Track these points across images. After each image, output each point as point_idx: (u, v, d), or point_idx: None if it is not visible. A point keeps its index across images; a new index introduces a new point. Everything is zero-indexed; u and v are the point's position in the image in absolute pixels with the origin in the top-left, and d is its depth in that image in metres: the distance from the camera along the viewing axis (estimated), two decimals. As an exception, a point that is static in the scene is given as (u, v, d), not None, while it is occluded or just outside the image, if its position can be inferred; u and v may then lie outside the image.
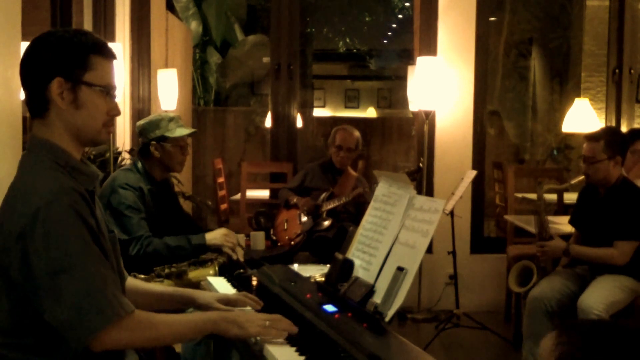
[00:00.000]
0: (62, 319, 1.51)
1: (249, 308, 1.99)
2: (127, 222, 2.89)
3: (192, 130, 3.13)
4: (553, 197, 4.92)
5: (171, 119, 3.09)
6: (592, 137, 3.37)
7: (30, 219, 1.51)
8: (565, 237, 3.57)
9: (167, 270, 2.72)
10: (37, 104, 1.65)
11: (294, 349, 1.70)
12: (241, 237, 3.29)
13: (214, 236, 2.97)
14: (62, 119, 1.64)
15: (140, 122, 3.10)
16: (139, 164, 3.07)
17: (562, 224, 3.82)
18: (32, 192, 1.56)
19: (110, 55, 1.69)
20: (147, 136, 3.05)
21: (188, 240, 2.95)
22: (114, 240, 1.76)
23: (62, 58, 1.62)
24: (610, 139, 3.34)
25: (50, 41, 1.65)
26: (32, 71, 1.65)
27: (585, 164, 3.36)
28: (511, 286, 3.59)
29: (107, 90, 1.67)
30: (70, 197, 1.56)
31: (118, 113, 1.72)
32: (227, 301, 2.01)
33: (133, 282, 2.02)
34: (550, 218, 3.86)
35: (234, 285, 2.44)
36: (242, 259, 2.94)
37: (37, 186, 1.57)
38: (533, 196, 5.57)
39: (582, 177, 3.43)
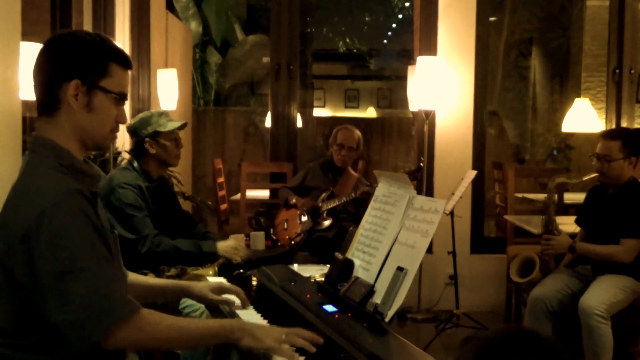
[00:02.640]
0: (69, 320, 1.51)
1: (250, 311, 1.98)
2: (131, 220, 2.90)
3: (183, 122, 3.18)
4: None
5: (161, 114, 3.13)
6: (609, 136, 3.37)
7: (35, 221, 1.51)
8: (569, 236, 3.57)
9: (173, 271, 2.75)
10: (48, 102, 1.65)
11: (293, 349, 1.70)
12: (241, 238, 3.30)
13: (224, 248, 3.00)
14: (72, 120, 1.65)
15: (131, 122, 3.11)
16: (135, 163, 3.08)
17: (564, 223, 3.82)
18: (35, 193, 1.55)
19: (128, 66, 1.71)
20: (140, 134, 3.06)
21: (199, 248, 2.97)
22: (115, 240, 1.76)
23: (84, 61, 1.64)
24: (627, 139, 3.34)
25: (73, 42, 1.65)
26: (49, 69, 1.65)
27: (600, 162, 3.35)
28: (512, 276, 3.60)
29: (120, 98, 1.69)
30: (76, 199, 1.56)
31: (124, 121, 1.74)
32: (220, 290, 2.02)
33: (130, 276, 2.03)
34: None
35: (233, 285, 2.44)
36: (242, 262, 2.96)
37: (41, 187, 1.56)
38: (533, 196, 5.60)
39: (595, 175, 3.42)
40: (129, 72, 1.73)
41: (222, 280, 2.53)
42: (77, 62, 1.63)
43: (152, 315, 1.61)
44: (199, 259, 2.93)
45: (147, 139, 3.05)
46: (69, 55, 1.63)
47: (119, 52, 1.70)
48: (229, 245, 3.01)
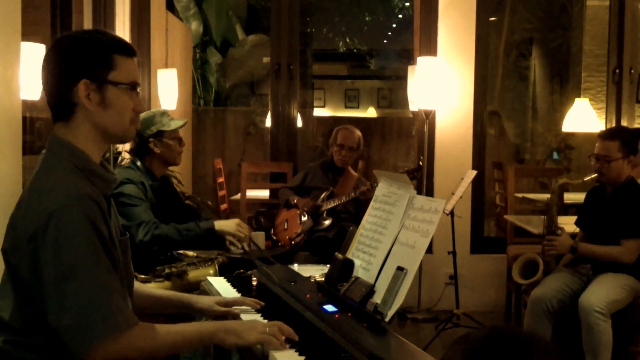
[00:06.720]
0: (65, 324, 1.50)
1: (248, 308, 1.99)
2: (133, 210, 2.88)
3: (185, 121, 3.19)
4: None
5: (162, 113, 3.14)
6: (606, 136, 3.38)
7: (44, 222, 1.50)
8: (569, 236, 3.57)
9: (167, 270, 2.72)
10: (62, 108, 1.64)
11: (293, 349, 1.70)
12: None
13: (226, 224, 2.96)
14: (90, 120, 1.63)
15: None
16: (138, 162, 3.09)
17: (564, 223, 3.82)
18: (48, 194, 1.54)
19: (131, 53, 1.69)
20: (144, 134, 3.07)
21: (196, 224, 2.95)
22: (125, 244, 1.75)
23: (85, 60, 1.62)
24: (625, 138, 3.35)
25: (71, 44, 1.64)
26: (55, 75, 1.64)
27: (599, 163, 3.36)
28: (514, 277, 3.60)
29: (133, 87, 1.67)
30: (85, 204, 1.54)
31: (143, 109, 1.73)
32: (225, 303, 2.01)
33: (135, 285, 2.01)
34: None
35: (233, 285, 2.44)
36: (247, 249, 2.93)
37: (54, 188, 1.55)
38: (533, 196, 5.60)
39: (595, 175, 3.43)
40: (135, 60, 1.70)
41: (222, 280, 2.53)
42: (81, 62, 1.62)
43: (147, 330, 1.59)
44: (199, 235, 2.89)
45: (151, 139, 3.06)
46: (72, 57, 1.62)
47: (121, 42, 1.68)
48: (232, 222, 2.96)
